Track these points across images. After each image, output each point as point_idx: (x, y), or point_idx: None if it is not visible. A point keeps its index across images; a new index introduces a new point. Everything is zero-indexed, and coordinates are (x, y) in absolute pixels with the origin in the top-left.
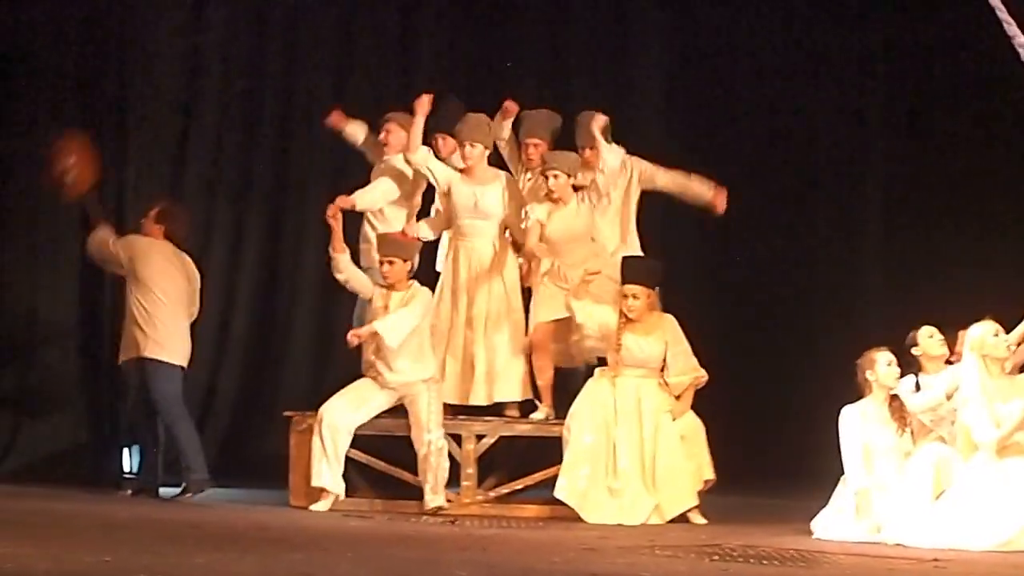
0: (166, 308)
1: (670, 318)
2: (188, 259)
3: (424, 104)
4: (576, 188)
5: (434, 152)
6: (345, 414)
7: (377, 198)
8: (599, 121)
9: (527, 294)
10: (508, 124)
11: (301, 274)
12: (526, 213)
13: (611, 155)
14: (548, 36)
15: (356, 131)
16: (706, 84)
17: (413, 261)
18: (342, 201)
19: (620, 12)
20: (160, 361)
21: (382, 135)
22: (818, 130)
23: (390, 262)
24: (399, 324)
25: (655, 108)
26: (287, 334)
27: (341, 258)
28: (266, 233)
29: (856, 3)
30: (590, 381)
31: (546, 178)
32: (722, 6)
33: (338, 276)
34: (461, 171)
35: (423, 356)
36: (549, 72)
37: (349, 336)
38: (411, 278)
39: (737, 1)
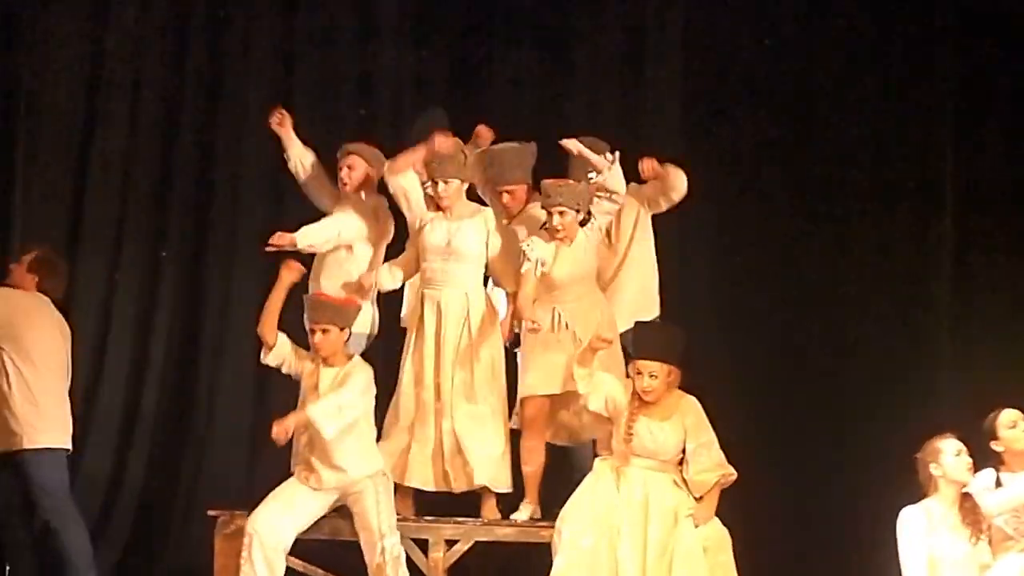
0: (50, 381)
1: (692, 401)
2: (63, 320)
3: (441, 145)
4: (582, 222)
5: None
6: (277, 528)
7: (328, 237)
8: (575, 144)
9: (512, 357)
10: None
11: (227, 339)
12: (524, 252)
13: (617, 179)
14: (536, 51)
15: (302, 158)
16: (731, 100)
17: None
18: (279, 238)
19: (629, 27)
20: (48, 449)
21: (342, 171)
22: (870, 176)
23: (324, 330)
24: (334, 409)
25: (670, 131)
26: (210, 412)
27: (275, 352)
28: (184, 292)
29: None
30: (590, 475)
31: (550, 215)
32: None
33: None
34: (436, 208)
35: (366, 447)
36: (540, 92)
37: (275, 431)
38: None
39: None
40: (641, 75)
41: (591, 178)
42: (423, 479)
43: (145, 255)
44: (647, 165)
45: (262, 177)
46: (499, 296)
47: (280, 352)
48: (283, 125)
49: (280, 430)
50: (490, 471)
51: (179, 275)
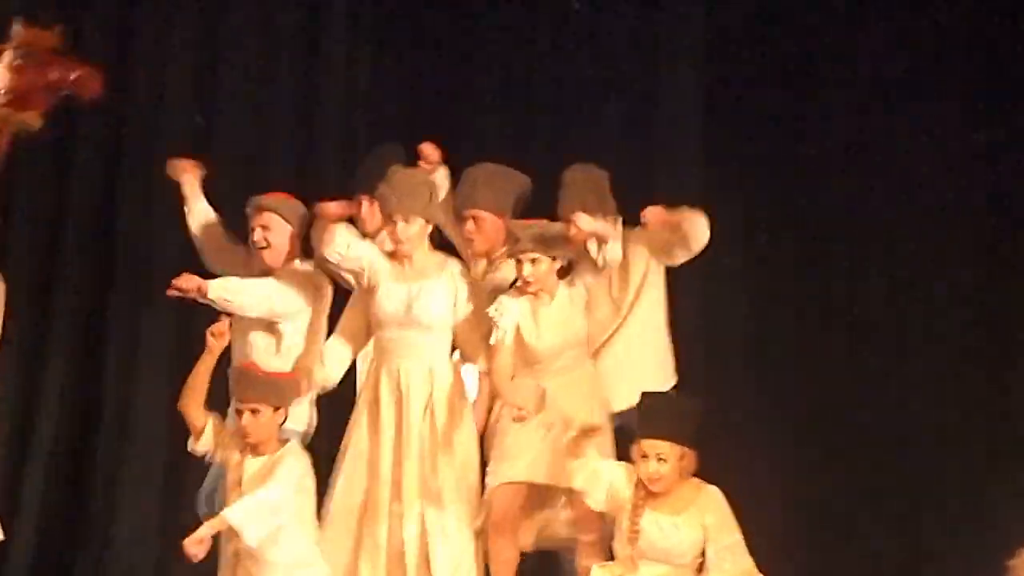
0: None
1: (714, 493)
2: None
3: (334, 212)
4: (562, 272)
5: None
6: None
7: (254, 303)
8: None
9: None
10: (440, 183)
11: (132, 416)
12: (494, 319)
13: (615, 251)
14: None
15: (205, 216)
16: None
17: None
18: (186, 281)
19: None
20: None
21: (255, 233)
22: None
23: (253, 411)
24: (257, 508)
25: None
26: (111, 507)
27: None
28: (79, 354)
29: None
30: None
31: (519, 263)
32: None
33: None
34: (391, 257)
35: (305, 556)
36: (524, 113)
37: (188, 547)
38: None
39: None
40: (654, 94)
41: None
42: None
43: (30, 306)
44: (652, 216)
45: (177, 213)
46: (467, 372)
47: (210, 438)
48: (188, 171)
49: (193, 544)
50: None
51: (73, 333)
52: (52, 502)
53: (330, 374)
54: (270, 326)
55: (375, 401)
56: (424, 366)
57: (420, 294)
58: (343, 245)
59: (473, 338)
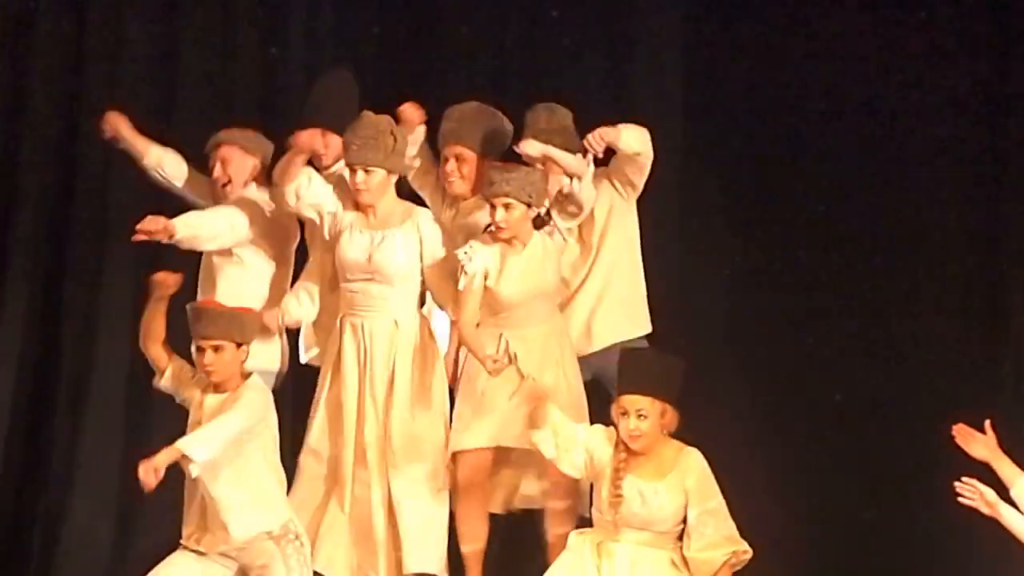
0: None
1: (695, 455)
2: None
3: (306, 142)
4: (538, 223)
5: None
6: None
7: (218, 231)
8: (536, 147)
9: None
10: (413, 141)
11: (92, 376)
12: (463, 262)
13: (588, 191)
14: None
15: (162, 161)
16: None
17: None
18: (152, 223)
19: None
20: None
21: (215, 169)
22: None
23: (215, 347)
24: (210, 435)
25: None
26: (69, 472)
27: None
28: (36, 310)
29: None
30: (564, 553)
31: (493, 208)
32: None
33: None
34: (355, 206)
35: (267, 497)
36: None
37: (142, 472)
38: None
39: None
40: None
41: (563, 187)
42: (348, 567)
43: None
44: (594, 140)
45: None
46: (440, 321)
47: (169, 379)
48: (120, 129)
49: (148, 471)
50: (425, 553)
51: (30, 291)
52: (5, 469)
53: (291, 311)
54: (240, 263)
55: (338, 355)
56: (388, 319)
57: (382, 244)
58: (303, 185)
59: (444, 284)
